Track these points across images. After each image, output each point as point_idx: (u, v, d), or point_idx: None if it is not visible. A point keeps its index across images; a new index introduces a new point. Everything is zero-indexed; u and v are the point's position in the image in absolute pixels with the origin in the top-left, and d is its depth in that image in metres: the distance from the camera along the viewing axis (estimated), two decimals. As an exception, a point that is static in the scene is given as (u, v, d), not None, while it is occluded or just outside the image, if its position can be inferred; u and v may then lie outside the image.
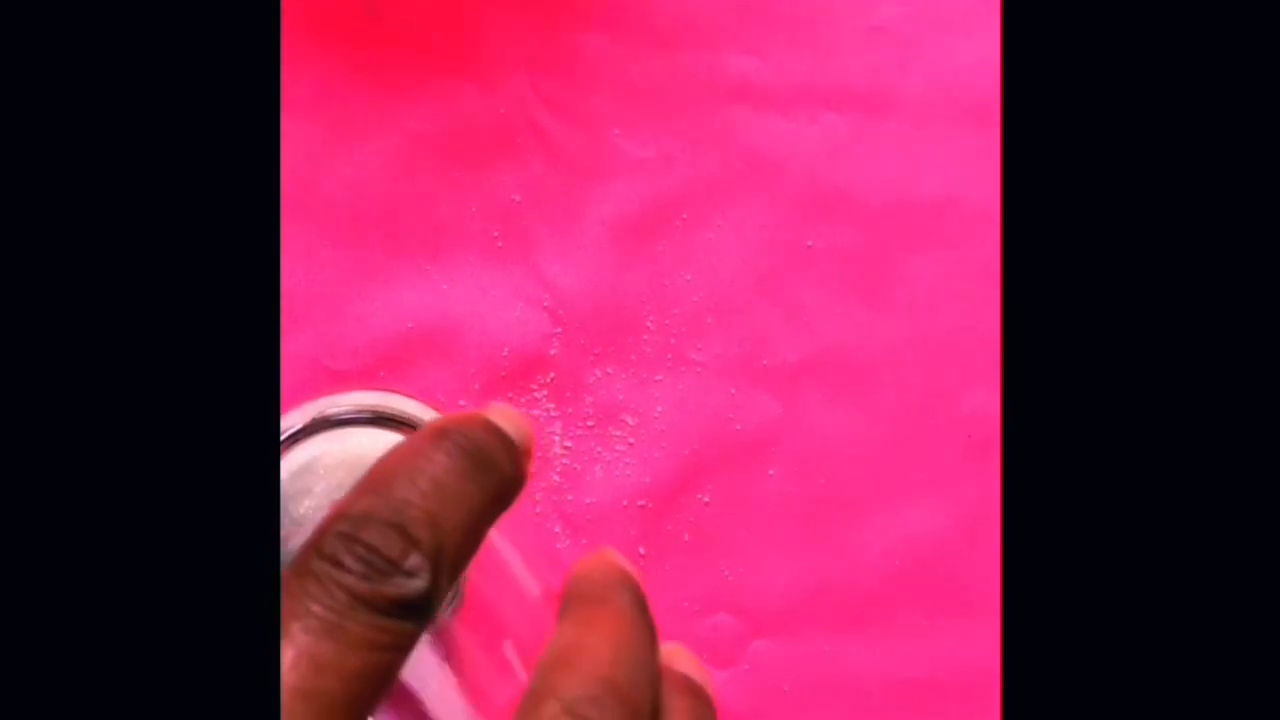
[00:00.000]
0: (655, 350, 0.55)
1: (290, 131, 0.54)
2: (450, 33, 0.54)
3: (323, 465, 0.44)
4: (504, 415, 0.33)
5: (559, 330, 0.55)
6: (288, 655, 0.27)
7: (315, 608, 0.28)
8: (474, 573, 0.40)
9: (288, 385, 0.53)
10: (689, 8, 0.56)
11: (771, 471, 0.56)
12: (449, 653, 0.37)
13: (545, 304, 0.55)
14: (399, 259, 0.54)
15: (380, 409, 0.46)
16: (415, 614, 0.29)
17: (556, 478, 0.55)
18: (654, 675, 0.31)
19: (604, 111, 0.55)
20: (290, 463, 0.44)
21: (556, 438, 0.55)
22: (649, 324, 0.55)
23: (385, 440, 0.46)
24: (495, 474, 0.31)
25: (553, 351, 0.55)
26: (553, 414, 0.55)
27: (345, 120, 0.54)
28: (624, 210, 0.55)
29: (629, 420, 0.55)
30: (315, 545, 0.29)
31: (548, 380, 0.55)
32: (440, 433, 0.31)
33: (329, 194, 0.54)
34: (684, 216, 0.55)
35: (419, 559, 0.29)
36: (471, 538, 0.30)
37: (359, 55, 0.54)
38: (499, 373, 0.55)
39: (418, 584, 0.29)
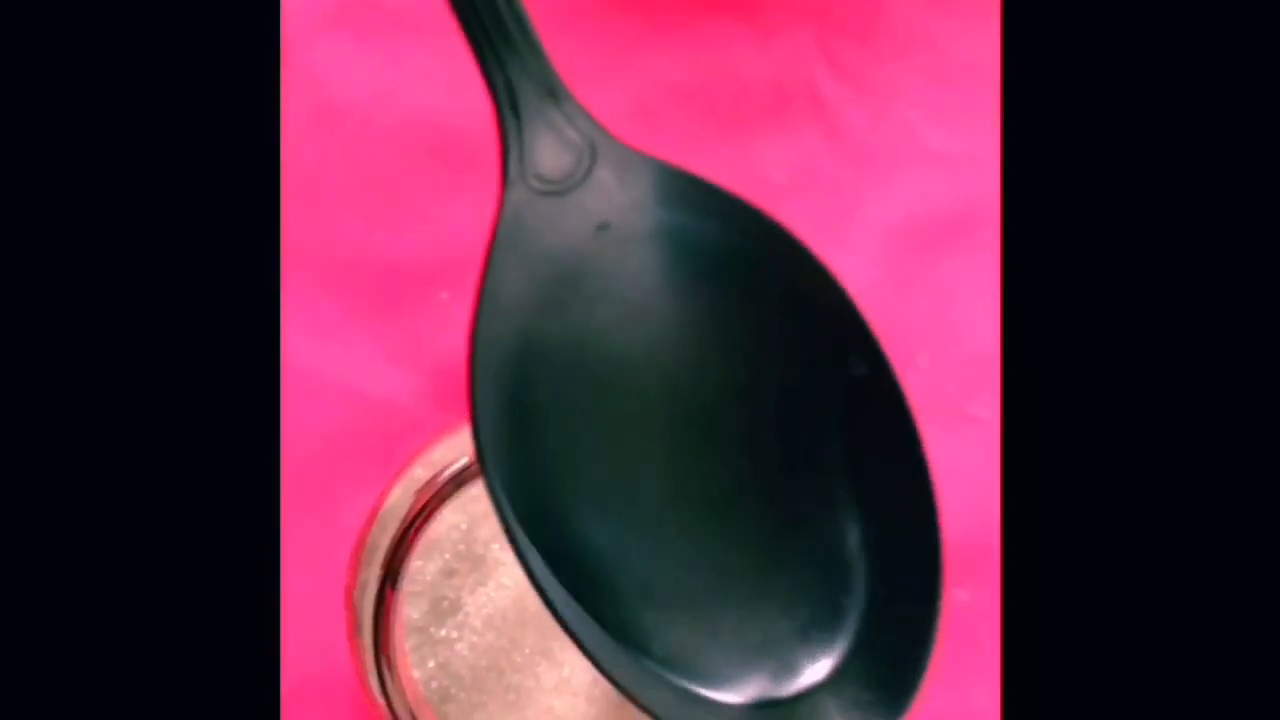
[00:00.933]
0: (926, 396, 0.44)
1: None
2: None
3: None
4: None
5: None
6: None
7: None
8: None
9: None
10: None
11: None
12: None
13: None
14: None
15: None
16: None
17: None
18: None
19: (903, 87, 0.45)
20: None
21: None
22: (921, 361, 0.44)
23: None
24: None
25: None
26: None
27: (579, 57, 0.44)
28: (909, 213, 0.44)
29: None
30: None
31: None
32: None
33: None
34: (984, 233, 0.44)
35: None
36: None
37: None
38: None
39: None
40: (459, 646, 0.36)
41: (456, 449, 0.34)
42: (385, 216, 0.43)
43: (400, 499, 0.34)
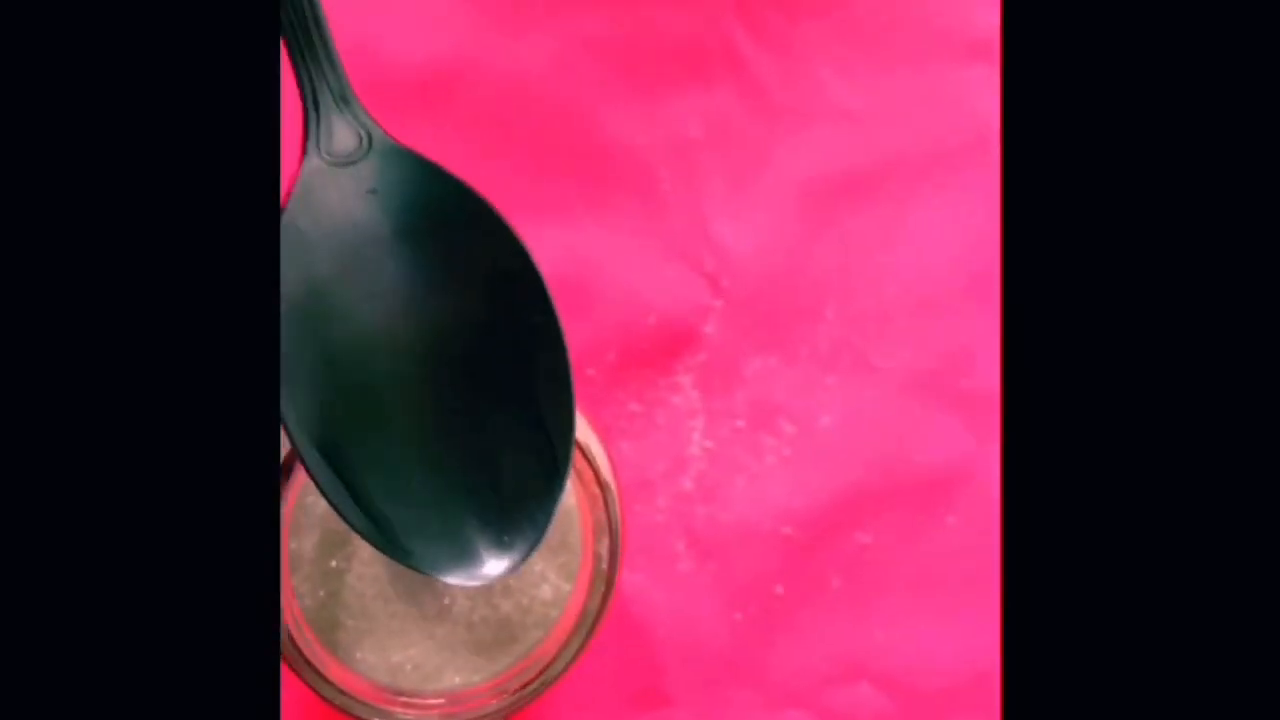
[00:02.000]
0: (832, 347, 0.45)
1: (440, 8, 0.45)
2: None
3: None
4: None
5: (719, 304, 0.45)
6: None
7: None
8: None
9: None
10: (935, -58, 0.46)
11: (951, 519, 0.45)
12: None
13: (707, 269, 0.45)
14: (543, 183, 0.45)
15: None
16: None
17: (689, 484, 0.45)
18: None
19: (817, 45, 0.46)
20: None
21: (696, 435, 0.45)
22: (829, 313, 0.45)
23: None
24: None
25: (707, 329, 0.45)
26: (696, 405, 0.45)
27: (503, 5, 0.45)
28: (822, 168, 0.45)
29: (787, 427, 0.45)
30: None
31: (696, 362, 0.45)
32: None
33: (469, 94, 0.45)
34: (893, 188, 0.45)
35: None
36: None
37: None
38: (640, 343, 0.45)
39: None
40: (348, 577, 0.38)
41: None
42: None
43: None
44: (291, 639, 0.36)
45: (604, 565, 0.37)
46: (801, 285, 0.45)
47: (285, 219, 0.32)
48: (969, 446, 0.45)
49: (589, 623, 0.37)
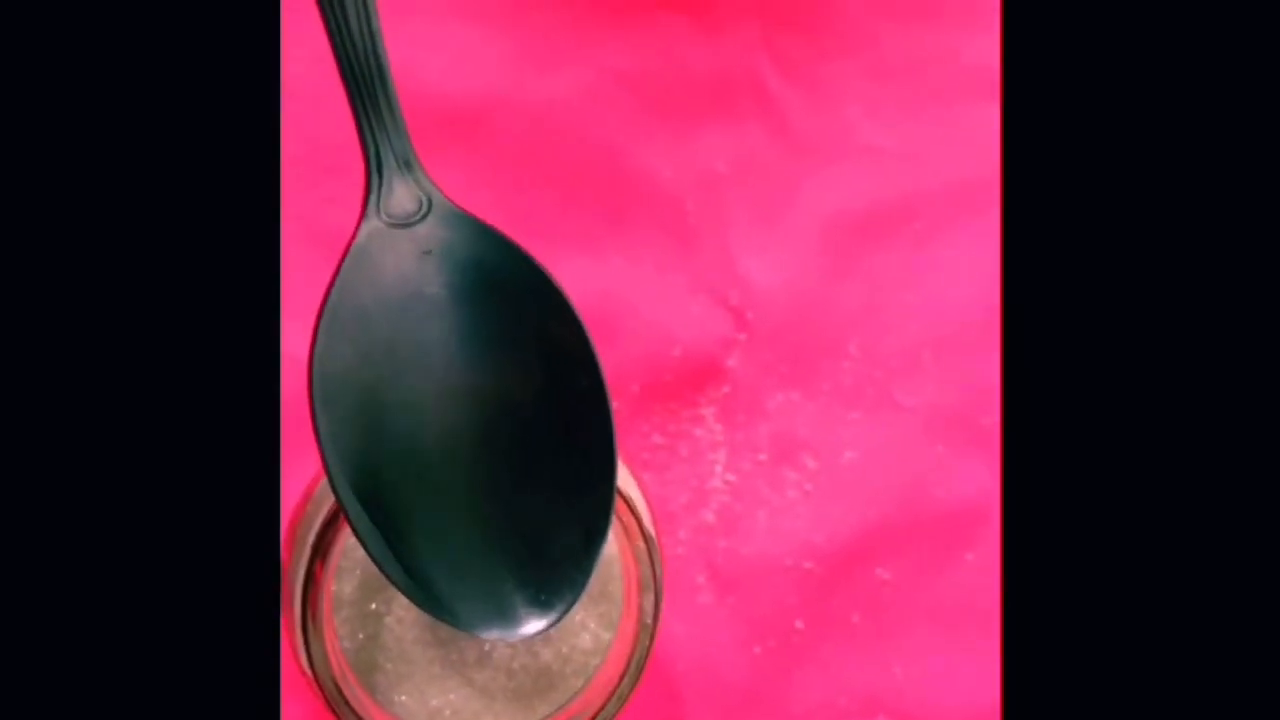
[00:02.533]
0: (855, 382, 0.45)
1: (474, 43, 0.45)
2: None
3: None
4: None
5: (742, 337, 0.45)
6: None
7: None
8: None
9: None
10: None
11: (970, 556, 0.45)
12: None
13: (732, 302, 0.45)
14: (571, 215, 0.45)
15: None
16: None
17: (710, 517, 0.45)
18: None
19: (844, 83, 0.46)
20: None
21: (719, 467, 0.45)
22: (852, 349, 0.45)
23: None
24: None
25: (731, 362, 0.45)
26: (718, 437, 0.45)
27: (535, 40, 0.45)
28: (847, 205, 0.46)
29: (809, 462, 0.45)
30: None
31: (720, 395, 0.45)
32: None
33: (501, 127, 0.45)
34: (918, 226, 0.46)
35: None
36: None
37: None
38: (664, 375, 0.45)
39: None
40: (388, 620, 0.38)
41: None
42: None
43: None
44: (333, 679, 0.36)
45: (648, 619, 0.37)
46: (825, 320, 0.45)
47: (341, 278, 0.33)
48: (989, 484, 0.45)
49: (633, 676, 0.37)
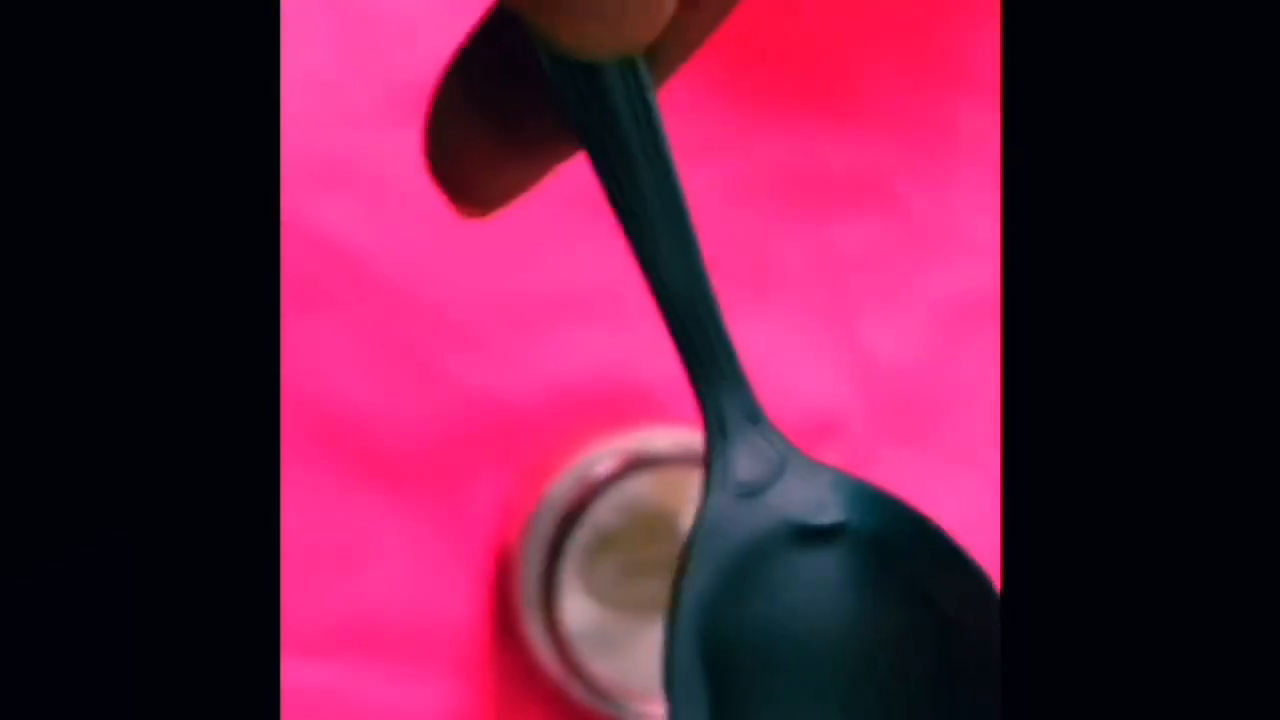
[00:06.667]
0: (957, 449, 0.52)
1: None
2: (822, 70, 0.52)
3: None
4: None
5: (860, 400, 0.52)
6: None
7: None
8: None
9: (579, 398, 0.50)
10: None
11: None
12: None
13: (853, 368, 0.52)
14: (729, 288, 0.52)
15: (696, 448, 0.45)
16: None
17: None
18: None
19: (962, 184, 0.52)
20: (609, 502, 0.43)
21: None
22: (956, 419, 0.52)
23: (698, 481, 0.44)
24: None
25: (849, 424, 0.52)
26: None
27: (695, 137, 0.52)
28: (958, 292, 0.52)
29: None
30: None
31: (833, 449, 0.52)
32: None
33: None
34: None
35: None
36: None
37: (724, 72, 0.52)
38: (783, 423, 0.51)
39: None
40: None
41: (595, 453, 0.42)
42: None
43: (559, 492, 0.42)
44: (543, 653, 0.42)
45: None
46: (937, 392, 0.52)
47: (692, 572, 0.28)
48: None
49: None
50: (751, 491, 0.28)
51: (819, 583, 0.28)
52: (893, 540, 0.28)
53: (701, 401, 0.28)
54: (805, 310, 0.52)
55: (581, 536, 0.43)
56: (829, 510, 0.28)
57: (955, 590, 0.28)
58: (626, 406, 0.50)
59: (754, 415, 0.28)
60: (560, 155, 0.28)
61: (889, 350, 0.52)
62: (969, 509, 0.52)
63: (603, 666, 0.44)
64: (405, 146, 0.50)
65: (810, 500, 0.28)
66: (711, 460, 0.28)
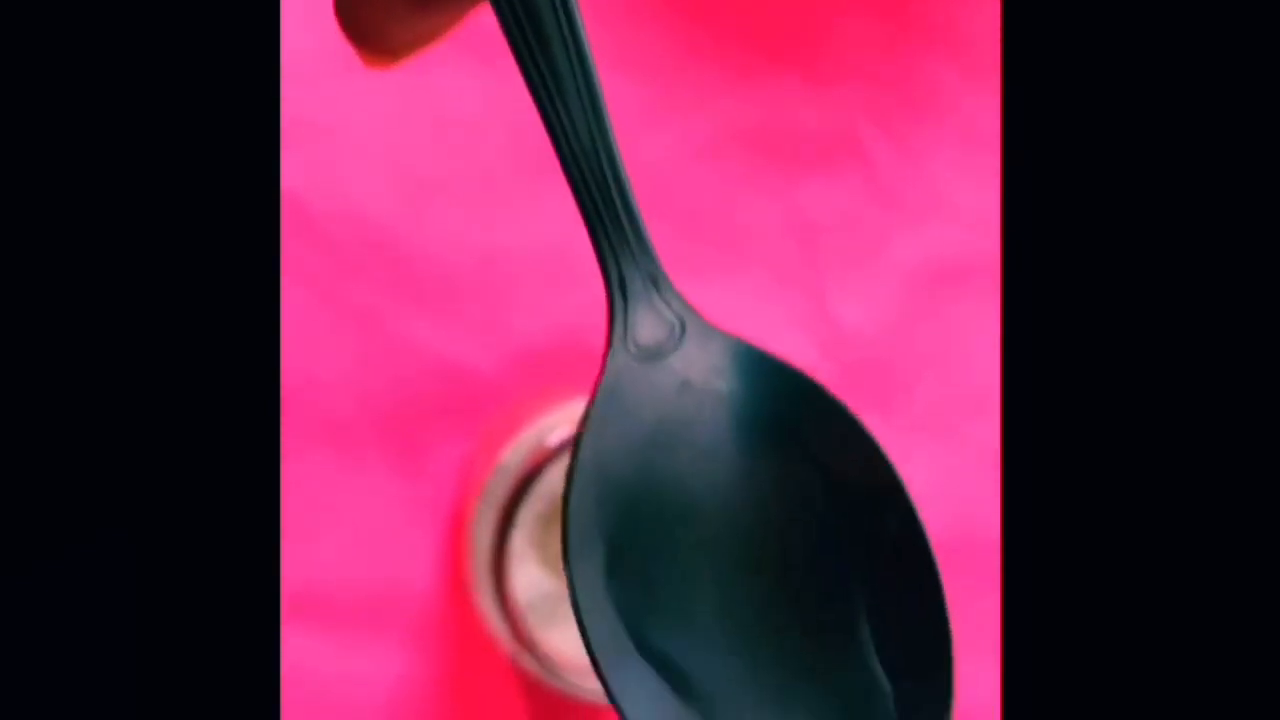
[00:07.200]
0: (924, 416, 0.51)
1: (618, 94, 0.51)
2: (789, 29, 0.51)
3: None
4: None
5: (829, 364, 0.51)
6: None
7: None
8: None
9: (550, 371, 0.49)
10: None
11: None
12: None
13: (822, 332, 0.51)
14: (694, 250, 0.50)
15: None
16: None
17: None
18: None
19: (937, 148, 0.51)
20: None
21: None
22: (924, 388, 0.51)
23: None
24: None
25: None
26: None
27: (659, 98, 0.51)
28: (930, 258, 0.51)
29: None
30: None
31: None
32: None
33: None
34: (986, 281, 0.51)
35: None
36: None
37: (688, 26, 0.51)
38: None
39: None
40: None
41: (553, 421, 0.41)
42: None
43: (514, 459, 0.41)
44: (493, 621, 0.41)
45: None
46: (900, 362, 0.51)
47: (590, 424, 0.29)
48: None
49: None
50: (651, 355, 0.29)
51: (715, 443, 0.29)
52: (785, 406, 0.29)
53: (603, 264, 0.29)
54: (773, 273, 0.51)
55: (535, 505, 0.43)
56: (725, 375, 0.29)
57: (844, 453, 0.29)
58: (588, 372, 0.49)
59: (656, 279, 0.29)
60: (467, 5, 0.28)
61: (858, 314, 0.51)
62: (938, 474, 0.51)
63: (554, 638, 0.43)
64: (362, 105, 0.49)
65: (708, 364, 0.29)
66: (613, 323, 0.29)
